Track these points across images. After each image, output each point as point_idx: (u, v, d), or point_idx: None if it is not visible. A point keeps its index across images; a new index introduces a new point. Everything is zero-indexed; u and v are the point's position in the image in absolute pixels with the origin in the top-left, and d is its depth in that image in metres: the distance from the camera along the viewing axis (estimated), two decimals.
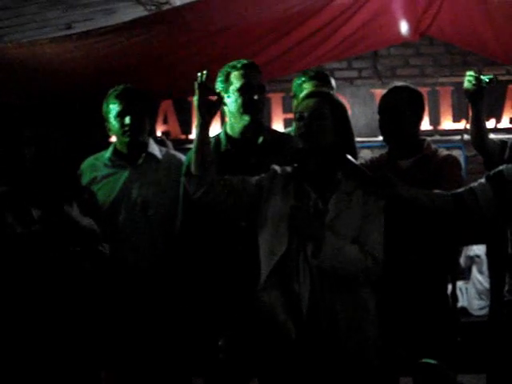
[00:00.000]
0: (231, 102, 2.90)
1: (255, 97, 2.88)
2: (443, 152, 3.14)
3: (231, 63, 2.94)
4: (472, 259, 5.73)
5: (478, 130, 3.17)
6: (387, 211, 2.44)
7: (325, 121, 2.43)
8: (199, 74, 2.49)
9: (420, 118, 3.12)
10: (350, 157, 2.42)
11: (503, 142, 3.35)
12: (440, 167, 2.99)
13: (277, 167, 2.55)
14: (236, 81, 2.89)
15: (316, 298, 2.33)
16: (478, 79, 3.04)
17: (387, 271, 2.41)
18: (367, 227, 2.40)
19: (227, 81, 2.90)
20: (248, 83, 2.88)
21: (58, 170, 2.88)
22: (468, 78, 3.06)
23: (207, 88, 2.51)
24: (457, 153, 5.84)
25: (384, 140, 3.15)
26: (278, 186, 2.47)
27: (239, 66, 2.91)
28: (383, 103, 3.11)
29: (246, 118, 2.89)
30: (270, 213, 2.45)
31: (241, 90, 2.88)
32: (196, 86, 2.49)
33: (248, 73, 2.89)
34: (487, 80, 3.05)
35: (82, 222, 2.80)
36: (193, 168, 2.47)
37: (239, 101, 2.87)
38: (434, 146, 3.14)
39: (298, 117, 2.47)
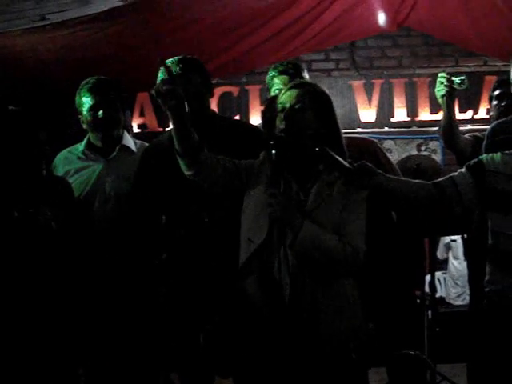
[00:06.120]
0: None
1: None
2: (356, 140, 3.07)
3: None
4: (448, 246, 5.77)
5: (450, 130, 3.18)
6: (371, 201, 2.41)
7: (304, 113, 2.38)
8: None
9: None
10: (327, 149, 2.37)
11: (475, 137, 3.36)
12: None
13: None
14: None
15: (297, 288, 2.30)
16: (449, 80, 3.06)
17: (369, 261, 2.38)
18: (348, 217, 2.35)
19: None
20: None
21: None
22: (440, 80, 3.09)
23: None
24: (434, 144, 5.87)
25: None
26: (264, 174, 2.42)
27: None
28: None
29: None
30: (252, 200, 2.41)
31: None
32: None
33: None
34: (459, 81, 3.08)
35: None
36: (177, 146, 2.38)
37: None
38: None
39: (280, 109, 2.42)
